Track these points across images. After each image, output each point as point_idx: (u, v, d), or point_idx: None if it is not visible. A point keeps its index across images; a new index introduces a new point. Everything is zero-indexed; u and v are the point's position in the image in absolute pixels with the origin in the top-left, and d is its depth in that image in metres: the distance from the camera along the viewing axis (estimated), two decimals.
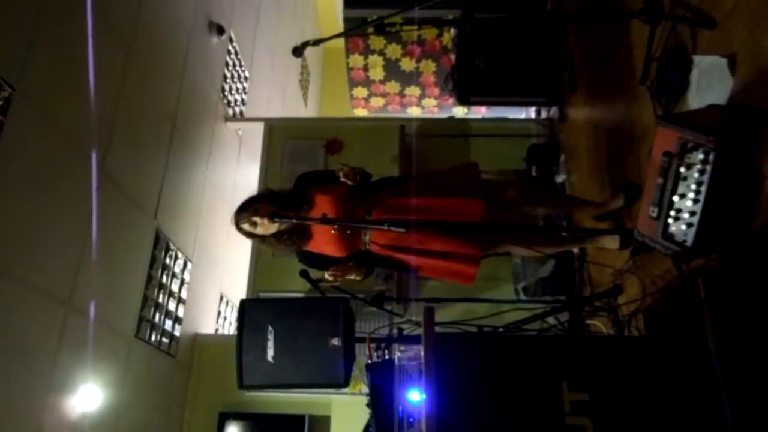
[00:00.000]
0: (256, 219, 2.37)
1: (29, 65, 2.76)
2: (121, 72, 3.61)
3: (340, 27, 6.12)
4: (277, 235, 2.44)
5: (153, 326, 4.01)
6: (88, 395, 3.20)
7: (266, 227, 2.40)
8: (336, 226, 2.26)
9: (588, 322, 2.80)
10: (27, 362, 2.80)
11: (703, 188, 1.64)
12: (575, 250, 3.29)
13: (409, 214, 2.41)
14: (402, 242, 2.45)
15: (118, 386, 3.52)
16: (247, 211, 2.41)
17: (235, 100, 5.75)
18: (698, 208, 1.67)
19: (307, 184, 2.56)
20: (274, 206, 2.39)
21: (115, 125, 3.52)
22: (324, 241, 2.46)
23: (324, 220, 2.28)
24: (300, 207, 2.46)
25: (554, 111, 4.32)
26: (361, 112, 6.34)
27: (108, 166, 3.42)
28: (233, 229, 2.50)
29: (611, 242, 2.57)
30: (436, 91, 5.93)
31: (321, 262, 2.50)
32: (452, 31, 4.57)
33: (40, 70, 2.84)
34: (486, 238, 2.52)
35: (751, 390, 1.66)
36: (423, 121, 5.21)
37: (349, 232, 2.38)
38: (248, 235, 2.48)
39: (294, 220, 2.31)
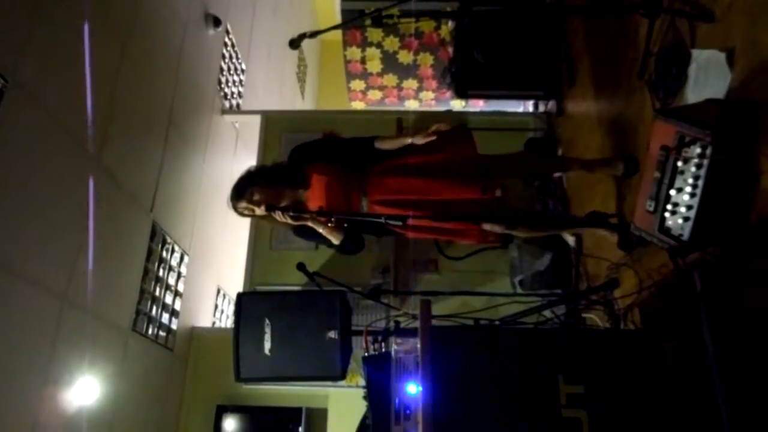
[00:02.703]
0: (254, 207, 2.37)
1: (24, 56, 2.74)
2: (117, 64, 3.58)
3: (337, 19, 6.09)
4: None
5: (150, 319, 4.01)
6: (84, 388, 3.20)
7: (264, 211, 2.40)
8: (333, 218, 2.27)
9: (584, 315, 2.81)
10: (23, 355, 2.79)
11: (700, 182, 1.64)
12: (571, 242, 3.29)
13: (405, 195, 2.40)
14: (402, 194, 2.43)
15: (114, 379, 3.52)
16: (243, 197, 2.40)
17: (232, 93, 5.72)
18: (695, 202, 1.67)
19: (301, 159, 2.53)
20: (269, 187, 2.38)
21: (111, 117, 3.50)
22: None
23: (320, 213, 2.28)
24: (296, 185, 2.44)
25: (552, 104, 4.31)
26: (358, 105, 6.33)
27: (104, 159, 3.41)
28: (230, 222, 2.51)
29: (609, 232, 2.57)
30: (434, 83, 5.92)
31: (317, 234, 2.48)
32: (450, 23, 4.54)
33: (35, 61, 2.82)
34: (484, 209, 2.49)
35: (746, 383, 1.67)
36: (420, 114, 5.19)
37: (346, 224, 2.38)
38: (248, 216, 2.48)
39: (290, 213, 2.31)
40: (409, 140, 2.48)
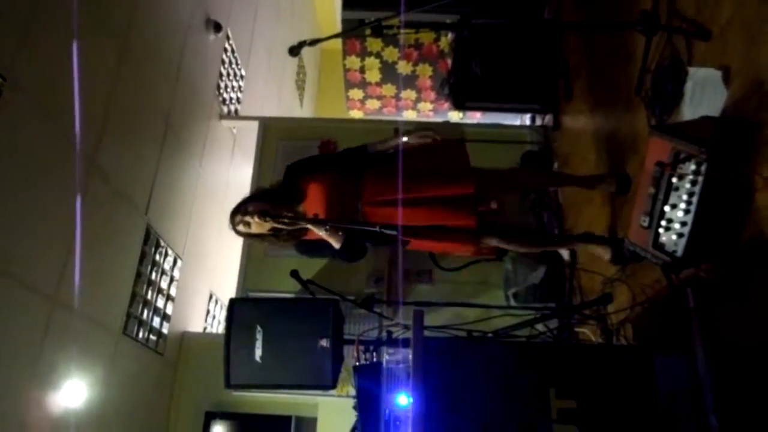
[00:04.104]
0: (248, 219, 2.35)
1: (21, 57, 2.74)
2: (115, 66, 3.58)
3: (338, 28, 6.12)
4: (275, 232, 2.42)
5: (141, 323, 3.98)
6: (72, 391, 3.17)
7: (260, 226, 2.38)
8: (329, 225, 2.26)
9: (577, 329, 2.80)
10: (10, 357, 2.76)
11: (695, 199, 1.65)
12: (566, 256, 3.30)
13: (398, 195, 2.40)
14: (395, 194, 2.42)
15: (103, 383, 3.49)
16: (239, 213, 2.40)
17: (231, 98, 5.73)
18: (689, 218, 1.67)
19: (296, 174, 2.54)
20: (266, 204, 2.38)
21: (108, 120, 3.49)
22: None
23: (315, 220, 2.27)
24: (292, 200, 2.44)
25: (549, 118, 4.33)
26: (356, 114, 6.34)
27: (99, 161, 3.40)
28: (225, 226, 2.49)
29: (602, 251, 2.59)
30: (432, 95, 5.93)
31: (320, 246, 2.47)
32: (449, 35, 4.57)
33: (32, 62, 2.82)
34: (480, 223, 2.50)
35: (738, 401, 1.66)
36: (418, 125, 5.21)
37: (341, 233, 2.38)
38: (246, 235, 2.46)
39: (286, 220, 2.30)
40: (403, 138, 2.50)
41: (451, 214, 2.42)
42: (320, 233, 2.36)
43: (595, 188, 2.79)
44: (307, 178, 2.47)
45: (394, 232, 2.06)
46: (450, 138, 2.61)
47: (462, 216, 2.43)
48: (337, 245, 2.41)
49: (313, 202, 2.43)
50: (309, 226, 2.36)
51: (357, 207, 2.44)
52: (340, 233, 2.38)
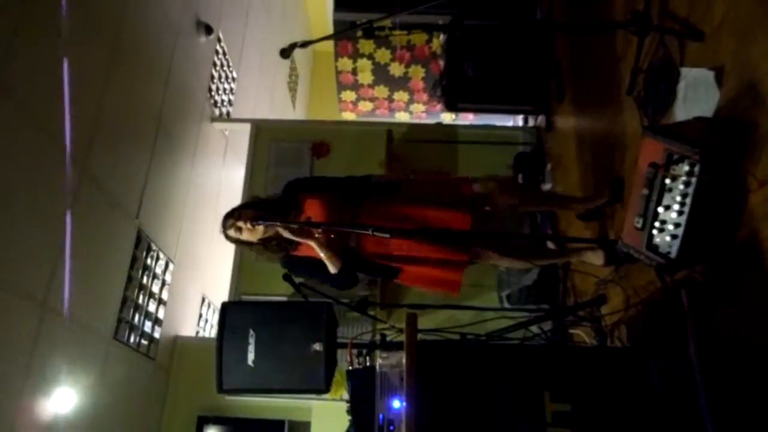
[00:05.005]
0: (240, 224, 2.33)
1: (9, 61, 2.71)
2: (106, 69, 3.55)
3: (329, 30, 6.10)
4: (264, 241, 2.40)
5: (132, 328, 3.95)
6: (63, 397, 3.13)
7: (251, 232, 2.36)
8: (321, 230, 2.24)
9: (571, 331, 2.80)
10: (0, 363, 2.73)
11: (688, 200, 1.64)
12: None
13: (395, 222, 2.39)
14: (388, 251, 2.43)
15: (94, 389, 3.45)
16: (232, 217, 2.37)
17: (222, 101, 5.70)
18: (683, 219, 1.67)
19: (295, 190, 2.53)
20: (259, 212, 2.35)
21: (99, 123, 3.46)
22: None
23: (308, 223, 2.25)
24: (288, 213, 2.42)
25: (541, 119, 4.34)
26: (349, 116, 6.32)
27: (90, 165, 3.36)
28: (217, 230, 2.47)
29: (595, 258, 2.58)
30: (425, 96, 5.93)
31: (308, 265, 2.45)
32: (442, 36, 4.58)
33: (22, 68, 2.78)
34: (472, 249, 2.51)
35: (733, 402, 1.66)
36: (410, 127, 5.20)
37: (332, 236, 2.36)
38: (236, 241, 2.43)
39: (278, 224, 2.28)
40: (410, 176, 2.52)
41: (446, 249, 2.43)
42: (320, 254, 2.34)
43: (591, 206, 2.79)
44: (307, 195, 2.46)
45: (386, 235, 2.05)
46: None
47: (456, 252, 2.44)
48: (333, 269, 2.38)
49: (309, 216, 2.41)
50: (309, 242, 2.33)
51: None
52: (338, 258, 2.36)
